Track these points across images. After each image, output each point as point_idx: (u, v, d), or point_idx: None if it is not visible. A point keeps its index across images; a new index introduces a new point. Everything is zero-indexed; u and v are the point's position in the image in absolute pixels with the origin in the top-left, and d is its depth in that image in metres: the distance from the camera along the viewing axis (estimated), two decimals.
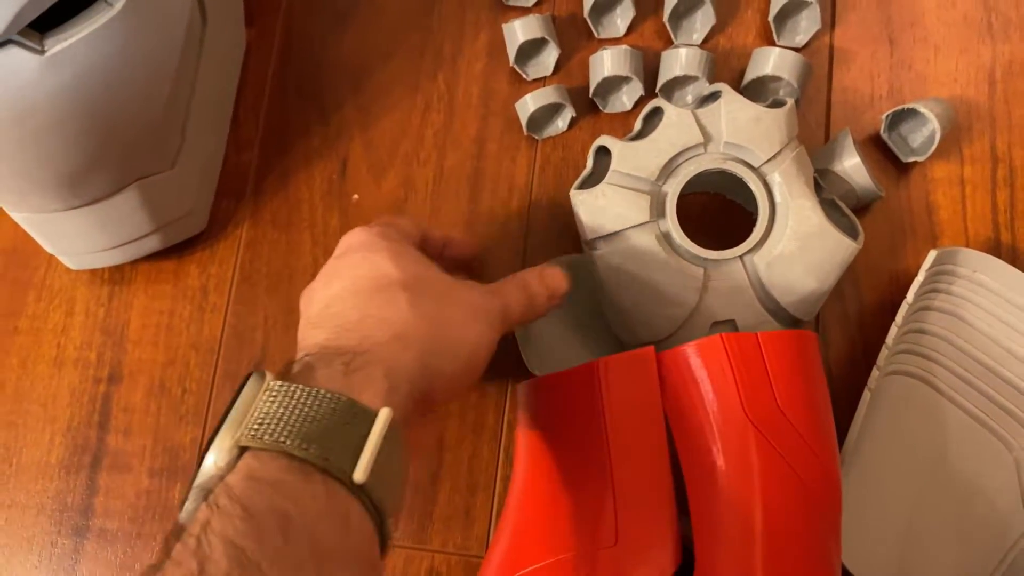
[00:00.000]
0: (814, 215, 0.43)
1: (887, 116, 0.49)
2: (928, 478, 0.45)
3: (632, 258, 0.44)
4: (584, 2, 0.51)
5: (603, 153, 0.46)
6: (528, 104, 0.50)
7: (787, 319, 0.44)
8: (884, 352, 0.44)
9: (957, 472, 0.45)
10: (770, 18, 0.50)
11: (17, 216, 0.47)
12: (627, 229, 0.44)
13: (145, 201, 0.47)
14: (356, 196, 0.52)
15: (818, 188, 0.45)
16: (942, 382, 0.46)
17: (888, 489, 0.45)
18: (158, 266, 0.52)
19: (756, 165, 0.44)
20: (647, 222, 0.44)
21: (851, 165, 0.46)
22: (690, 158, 0.44)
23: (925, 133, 0.48)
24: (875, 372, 0.44)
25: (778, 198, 0.43)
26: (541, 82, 0.52)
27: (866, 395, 0.44)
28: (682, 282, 0.43)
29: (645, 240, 0.43)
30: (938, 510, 0.45)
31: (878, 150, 0.50)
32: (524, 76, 0.52)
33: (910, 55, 0.51)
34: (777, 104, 0.44)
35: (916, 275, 0.45)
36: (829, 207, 0.45)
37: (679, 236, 0.43)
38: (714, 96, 0.45)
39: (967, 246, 0.49)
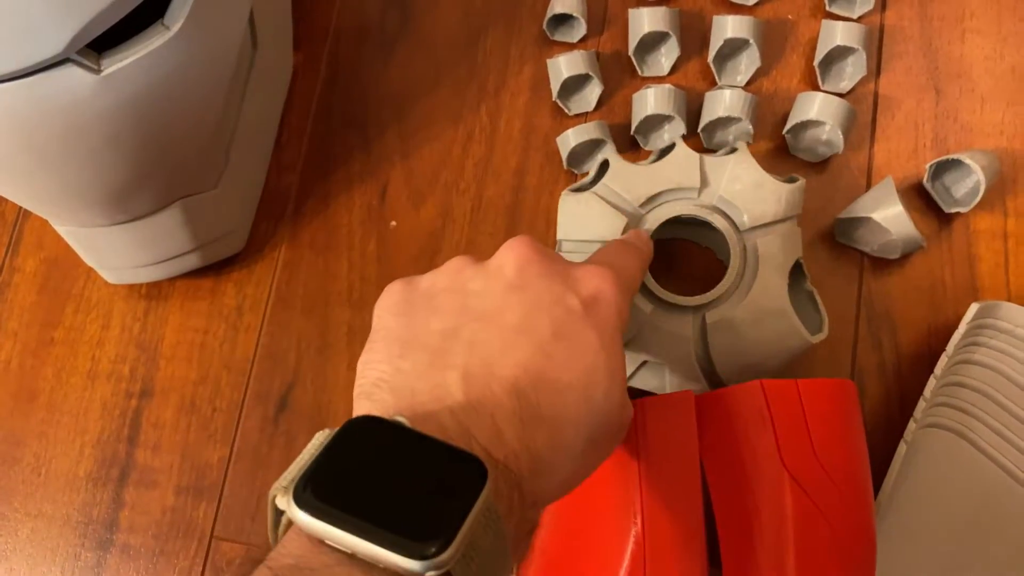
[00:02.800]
0: (778, 294, 0.43)
1: (931, 166, 0.48)
2: (964, 535, 0.44)
3: None
4: (629, 40, 0.51)
5: (606, 167, 0.46)
6: (569, 139, 0.50)
7: (716, 383, 0.44)
8: (922, 404, 0.43)
9: (994, 531, 0.44)
10: (815, 63, 0.50)
11: (61, 229, 0.48)
12: (594, 241, 0.44)
13: (187, 220, 0.47)
14: (394, 223, 0.52)
15: (801, 276, 0.45)
16: (980, 438, 0.45)
17: (922, 545, 0.44)
18: (195, 284, 0.52)
19: (741, 228, 0.44)
20: None
21: (893, 214, 0.46)
22: (680, 198, 0.44)
23: (969, 184, 0.48)
24: (912, 424, 0.43)
25: (749, 267, 0.43)
26: (583, 117, 0.53)
27: (902, 447, 0.43)
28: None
29: None
30: (973, 569, 0.44)
31: (920, 199, 0.49)
32: (566, 111, 0.52)
33: (956, 105, 0.51)
34: (790, 180, 0.45)
35: (955, 327, 0.44)
36: (804, 297, 0.45)
37: None
38: (734, 150, 0.45)
39: (1009, 300, 0.48)
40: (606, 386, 0.30)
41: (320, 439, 0.26)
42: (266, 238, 0.53)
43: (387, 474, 0.24)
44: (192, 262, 0.50)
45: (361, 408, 0.29)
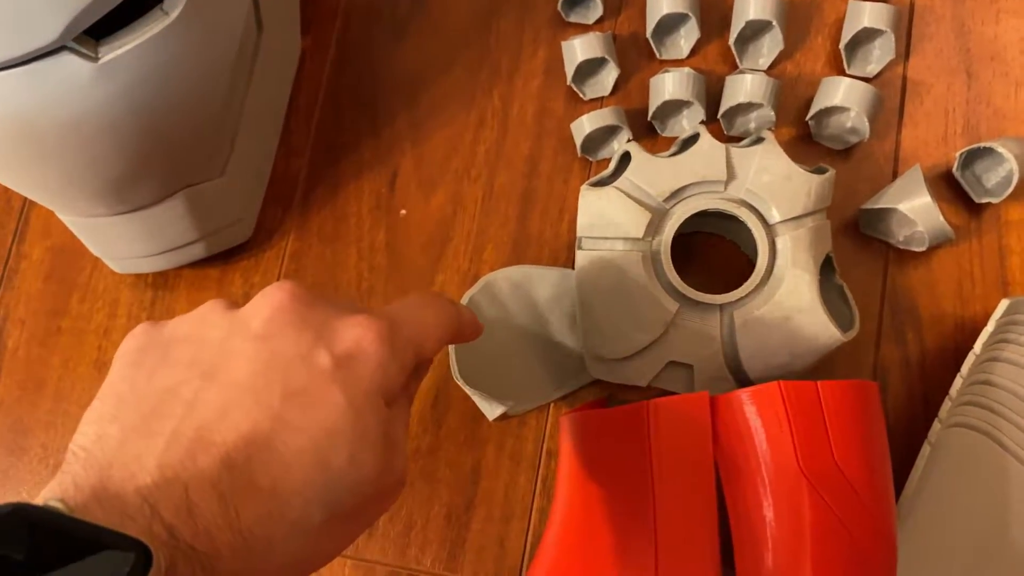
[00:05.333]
0: (808, 292, 0.41)
1: (961, 154, 0.46)
2: (989, 539, 0.43)
3: (611, 270, 0.42)
4: (647, 21, 0.49)
5: (627, 160, 0.44)
6: (584, 125, 0.49)
7: (744, 382, 0.42)
8: (947, 404, 0.42)
9: (1020, 533, 0.43)
10: (841, 46, 0.48)
11: (65, 218, 0.47)
12: (617, 239, 0.42)
13: (192, 209, 0.46)
14: (404, 211, 0.51)
15: (830, 270, 0.44)
16: (1008, 437, 0.43)
17: (946, 548, 0.43)
18: (202, 273, 0.51)
19: (770, 222, 0.42)
20: (639, 239, 0.42)
21: (920, 204, 0.44)
22: (706, 191, 0.43)
23: (1001, 173, 0.46)
24: (936, 425, 0.42)
25: (778, 263, 0.42)
26: (599, 102, 0.51)
27: (925, 448, 0.41)
28: (652, 311, 0.42)
29: (631, 257, 0.42)
30: (999, 573, 0.42)
31: (950, 189, 0.48)
32: (581, 96, 0.51)
33: (988, 90, 0.48)
34: (820, 171, 0.43)
35: (984, 323, 0.43)
36: (834, 293, 0.44)
37: (667, 263, 0.42)
38: (761, 140, 0.43)
39: None
40: (350, 451, 0.27)
41: None
42: (274, 227, 0.52)
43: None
44: (198, 252, 0.49)
45: (51, 484, 0.25)
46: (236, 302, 0.31)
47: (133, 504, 0.24)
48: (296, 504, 0.26)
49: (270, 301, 0.29)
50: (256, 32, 0.46)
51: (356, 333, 0.29)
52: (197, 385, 0.27)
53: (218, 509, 0.24)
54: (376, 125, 0.53)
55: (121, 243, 0.47)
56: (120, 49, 0.38)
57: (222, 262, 0.51)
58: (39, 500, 0.24)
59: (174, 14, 0.39)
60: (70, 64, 0.37)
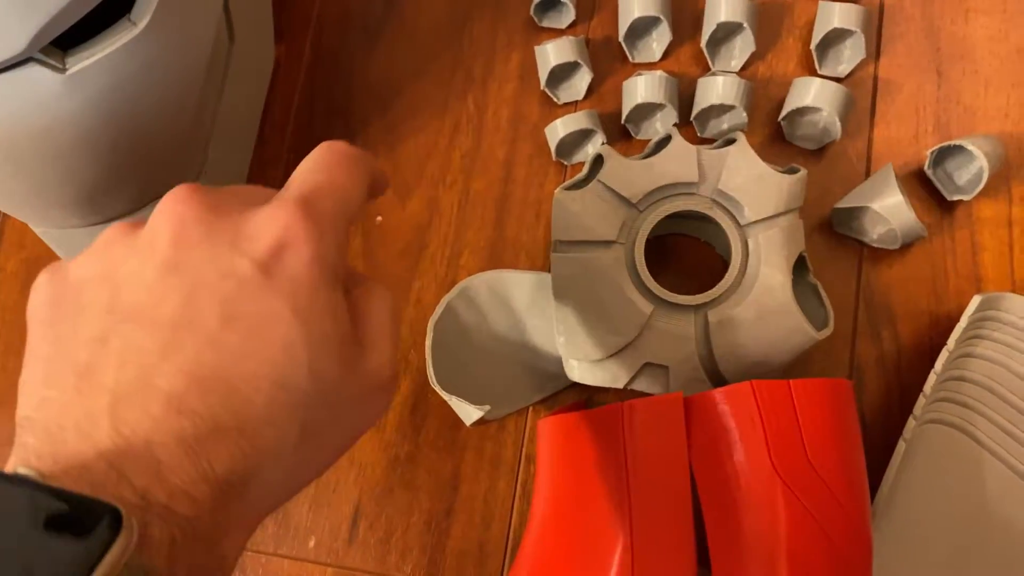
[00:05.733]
0: (782, 291, 0.41)
1: (932, 152, 0.47)
2: (966, 534, 0.43)
3: (586, 272, 0.43)
4: (619, 25, 0.50)
5: (600, 163, 0.45)
6: (558, 129, 0.49)
7: (720, 383, 0.42)
8: (921, 401, 0.42)
9: (996, 528, 0.43)
10: (812, 46, 0.48)
11: (38, 230, 0.47)
12: (591, 242, 0.43)
13: None
14: (379, 217, 0.51)
15: (804, 270, 0.44)
16: (983, 433, 0.44)
17: (923, 545, 0.43)
18: None
19: (743, 222, 0.42)
20: (613, 241, 0.42)
21: (893, 203, 0.44)
22: (679, 193, 0.43)
23: (972, 171, 0.46)
24: (911, 422, 0.42)
25: (751, 263, 0.42)
26: (573, 106, 0.51)
27: (901, 445, 0.42)
28: (627, 313, 0.42)
29: (605, 259, 0.42)
30: (976, 569, 0.43)
31: (922, 187, 0.48)
32: (555, 100, 0.51)
33: (959, 88, 0.49)
34: (792, 171, 0.43)
35: (958, 319, 0.43)
36: (808, 291, 0.44)
37: (640, 266, 0.42)
38: (733, 141, 0.44)
39: (1013, 291, 0.46)
40: (309, 359, 0.24)
41: None
42: None
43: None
44: None
45: (11, 459, 0.23)
46: (140, 221, 0.27)
47: (98, 470, 0.22)
48: (269, 435, 0.24)
49: (168, 218, 0.26)
50: (228, 41, 0.46)
51: (274, 227, 0.25)
52: (125, 331, 0.24)
53: (189, 463, 0.22)
54: (351, 132, 0.53)
55: None
56: (88, 60, 0.38)
57: None
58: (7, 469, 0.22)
59: (141, 24, 0.38)
60: (38, 75, 0.37)
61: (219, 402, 0.23)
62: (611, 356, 0.42)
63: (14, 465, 0.23)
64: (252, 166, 0.52)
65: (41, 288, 0.27)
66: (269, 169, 0.52)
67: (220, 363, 0.23)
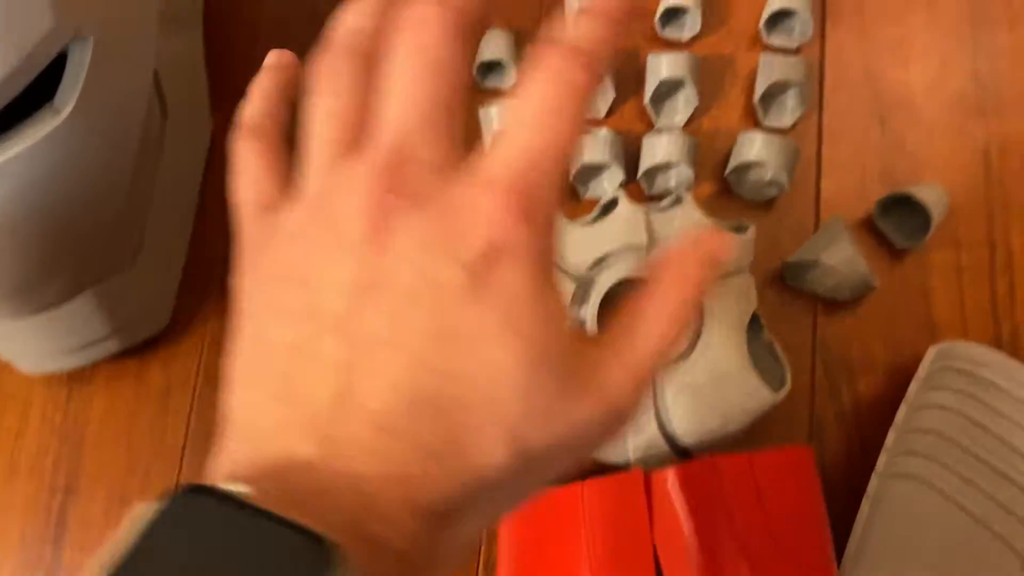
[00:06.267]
0: (736, 354, 0.41)
1: (879, 202, 0.47)
2: None
3: None
4: None
5: None
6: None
7: (680, 450, 0.42)
8: (883, 457, 0.42)
9: None
10: (755, 100, 0.48)
11: None
12: None
13: (101, 305, 0.44)
14: None
15: (759, 328, 0.44)
16: (945, 484, 0.43)
17: None
18: (120, 365, 0.49)
19: None
20: None
21: (843, 256, 0.44)
22: (629, 257, 0.42)
23: (919, 219, 0.46)
24: (874, 479, 0.41)
25: (705, 325, 0.41)
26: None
27: (865, 504, 0.41)
28: None
29: None
30: None
31: (872, 235, 0.48)
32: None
33: (902, 135, 0.49)
34: (740, 229, 0.43)
35: (914, 369, 0.43)
36: (764, 350, 0.43)
37: (594, 333, 0.42)
38: (680, 200, 0.43)
39: (966, 336, 0.46)
40: (526, 382, 0.21)
41: (138, 520, 0.19)
42: (192, 313, 0.50)
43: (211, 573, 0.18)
44: (112, 346, 0.47)
45: (217, 460, 0.22)
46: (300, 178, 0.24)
47: (304, 490, 0.20)
48: (481, 463, 0.21)
49: (367, 208, 0.22)
50: (160, 118, 0.45)
51: (485, 223, 0.21)
52: (324, 343, 0.22)
53: (398, 490, 0.20)
54: None
55: (28, 345, 0.45)
56: (10, 151, 0.36)
57: (140, 353, 0.49)
58: (217, 481, 0.20)
59: (65, 111, 0.37)
60: None
61: (428, 427, 0.21)
62: None
63: (223, 475, 0.21)
64: (193, 240, 0.51)
65: (251, 236, 0.25)
66: (211, 243, 0.51)
67: (428, 384, 0.21)
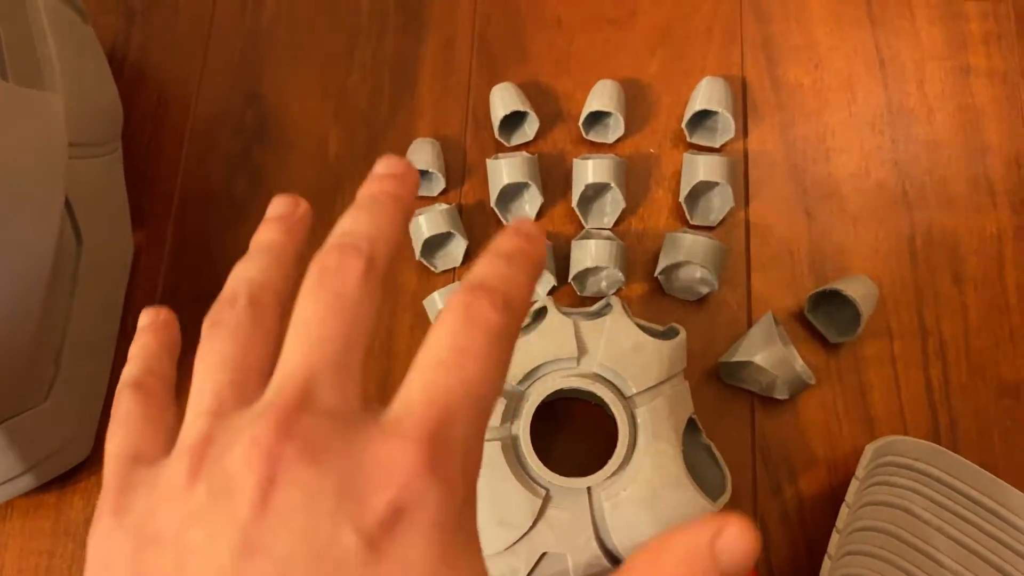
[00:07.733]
0: (673, 465, 0.40)
1: (810, 298, 0.47)
2: None
3: None
4: (490, 191, 0.49)
5: None
6: (436, 301, 0.47)
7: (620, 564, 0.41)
8: (827, 563, 0.41)
9: None
10: (681, 199, 0.48)
11: None
12: None
13: (14, 442, 0.42)
14: None
15: (696, 431, 0.43)
16: None
17: None
18: (37, 499, 0.47)
19: (627, 394, 0.41)
20: (496, 427, 0.41)
21: (775, 355, 0.44)
22: (560, 369, 0.42)
23: (850, 312, 0.46)
24: None
25: (640, 436, 0.41)
26: (451, 274, 0.50)
27: None
28: (518, 504, 0.40)
29: (489, 447, 0.40)
30: None
31: (805, 329, 0.48)
32: (432, 268, 0.49)
33: (829, 227, 0.49)
34: (671, 333, 0.43)
35: (853, 463, 0.42)
36: (703, 453, 0.43)
37: (527, 449, 0.41)
38: (609, 307, 0.43)
39: (904, 427, 0.46)
40: None
41: None
42: None
43: None
44: (28, 483, 0.44)
45: None
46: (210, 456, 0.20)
47: None
48: None
49: (260, 453, 0.19)
50: (75, 244, 0.44)
51: (388, 482, 0.19)
52: None
53: None
54: None
55: None
56: None
57: (59, 485, 0.47)
58: None
59: None
60: None
61: None
62: (506, 549, 0.40)
63: None
64: (115, 365, 0.49)
65: (101, 536, 0.21)
66: None
67: None
